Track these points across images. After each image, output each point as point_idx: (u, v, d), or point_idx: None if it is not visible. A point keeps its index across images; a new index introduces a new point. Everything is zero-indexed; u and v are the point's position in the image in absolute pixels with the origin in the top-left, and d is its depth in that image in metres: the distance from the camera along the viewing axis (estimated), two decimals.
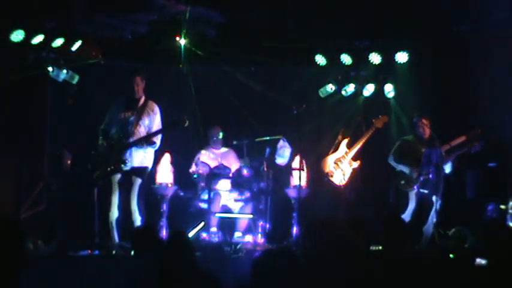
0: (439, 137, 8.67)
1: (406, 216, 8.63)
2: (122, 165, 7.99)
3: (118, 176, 8.08)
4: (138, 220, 8.02)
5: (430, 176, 8.65)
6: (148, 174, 8.30)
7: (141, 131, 8.13)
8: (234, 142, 9.48)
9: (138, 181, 8.10)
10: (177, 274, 4.51)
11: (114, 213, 8.05)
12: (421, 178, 8.69)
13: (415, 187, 8.74)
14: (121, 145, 8.04)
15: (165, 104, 9.75)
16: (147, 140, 8.10)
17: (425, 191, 8.69)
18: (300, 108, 8.72)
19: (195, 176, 8.90)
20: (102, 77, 9.32)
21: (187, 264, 4.59)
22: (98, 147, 8.15)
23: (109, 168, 7.98)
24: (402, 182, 8.84)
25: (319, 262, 4.17)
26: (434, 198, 8.63)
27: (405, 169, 8.82)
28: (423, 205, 8.75)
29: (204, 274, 4.55)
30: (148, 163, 8.23)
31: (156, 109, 8.31)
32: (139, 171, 8.14)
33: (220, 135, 9.31)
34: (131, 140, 8.06)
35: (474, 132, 8.81)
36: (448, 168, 8.77)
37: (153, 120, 8.24)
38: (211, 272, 4.60)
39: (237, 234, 8.75)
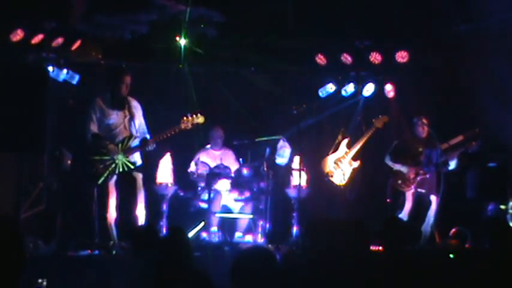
0: (439, 137, 8.68)
1: (403, 215, 8.65)
2: (131, 167, 7.98)
3: (114, 178, 8.06)
4: (143, 215, 8.01)
5: (428, 175, 8.68)
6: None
7: (136, 130, 8.10)
8: (235, 142, 9.49)
9: (140, 175, 8.12)
10: (175, 274, 4.51)
11: (112, 214, 8.04)
12: (418, 178, 8.72)
13: (412, 187, 8.76)
14: (128, 148, 8.00)
15: (165, 104, 9.77)
16: (153, 143, 8.11)
17: (423, 191, 8.73)
18: (300, 108, 8.72)
19: (194, 175, 8.90)
20: (102, 77, 9.32)
21: (184, 262, 4.59)
22: (100, 151, 8.06)
23: (117, 171, 7.95)
24: (399, 182, 8.86)
25: (319, 262, 4.17)
26: (431, 197, 8.66)
27: (402, 168, 8.82)
28: (420, 204, 8.77)
29: (200, 273, 4.55)
30: (141, 161, 8.22)
31: (138, 105, 8.27)
32: (139, 168, 8.15)
33: (222, 136, 9.29)
34: (136, 142, 8.05)
35: (471, 131, 8.83)
36: (453, 164, 8.77)
37: (140, 118, 8.21)
38: (205, 271, 4.60)
39: (238, 234, 8.75)
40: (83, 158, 8.23)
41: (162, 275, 4.50)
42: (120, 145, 7.97)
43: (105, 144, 7.94)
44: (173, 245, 4.67)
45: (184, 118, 8.32)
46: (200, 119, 8.41)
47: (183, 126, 8.30)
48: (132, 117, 8.05)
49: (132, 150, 8.02)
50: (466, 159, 8.97)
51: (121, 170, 7.95)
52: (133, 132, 8.05)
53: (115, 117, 8.05)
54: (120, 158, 7.94)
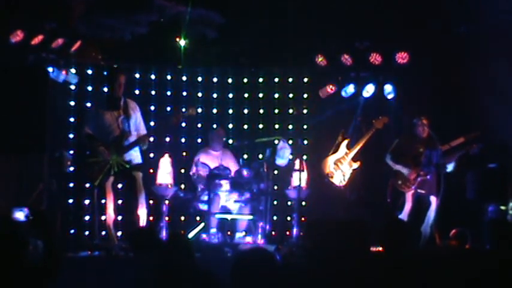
0: (439, 138, 8.67)
1: (403, 216, 8.65)
2: (127, 166, 7.96)
3: (111, 180, 8.05)
4: (144, 214, 8.01)
5: (428, 176, 8.69)
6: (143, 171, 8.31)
7: (132, 129, 8.09)
8: (234, 143, 9.47)
9: (140, 174, 8.11)
10: (176, 275, 4.51)
11: (111, 215, 8.04)
12: (419, 179, 8.73)
13: (413, 188, 8.76)
14: (122, 147, 7.99)
15: (165, 105, 9.78)
16: (147, 139, 8.11)
17: (423, 191, 8.73)
18: (299, 109, 8.72)
19: (194, 176, 8.88)
20: (102, 78, 9.32)
21: (186, 265, 4.60)
22: (94, 153, 8.03)
23: (112, 171, 7.93)
24: (399, 182, 8.86)
25: (319, 262, 4.17)
26: (431, 198, 8.67)
27: (403, 170, 8.82)
28: (420, 205, 8.77)
29: (202, 274, 4.55)
30: (140, 159, 8.21)
31: (137, 106, 8.28)
32: (138, 167, 8.14)
33: (224, 137, 9.27)
34: (131, 140, 8.04)
35: (473, 134, 8.83)
36: (450, 167, 8.78)
37: (137, 117, 8.21)
38: (210, 271, 4.60)
39: (239, 234, 8.74)
40: (82, 159, 8.23)
41: (163, 278, 4.50)
42: (112, 145, 7.96)
43: (97, 146, 7.94)
44: (174, 250, 4.69)
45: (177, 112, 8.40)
46: (192, 111, 8.44)
47: (175, 120, 8.37)
48: (127, 117, 8.04)
49: (126, 148, 8.00)
50: (465, 161, 8.97)
51: (116, 170, 7.93)
52: (126, 130, 8.03)
53: (108, 117, 8.05)
54: (114, 158, 7.92)
